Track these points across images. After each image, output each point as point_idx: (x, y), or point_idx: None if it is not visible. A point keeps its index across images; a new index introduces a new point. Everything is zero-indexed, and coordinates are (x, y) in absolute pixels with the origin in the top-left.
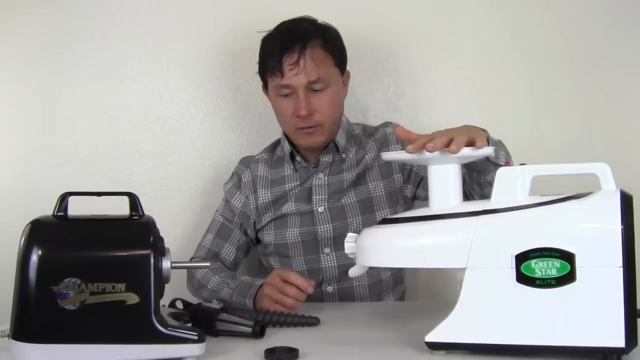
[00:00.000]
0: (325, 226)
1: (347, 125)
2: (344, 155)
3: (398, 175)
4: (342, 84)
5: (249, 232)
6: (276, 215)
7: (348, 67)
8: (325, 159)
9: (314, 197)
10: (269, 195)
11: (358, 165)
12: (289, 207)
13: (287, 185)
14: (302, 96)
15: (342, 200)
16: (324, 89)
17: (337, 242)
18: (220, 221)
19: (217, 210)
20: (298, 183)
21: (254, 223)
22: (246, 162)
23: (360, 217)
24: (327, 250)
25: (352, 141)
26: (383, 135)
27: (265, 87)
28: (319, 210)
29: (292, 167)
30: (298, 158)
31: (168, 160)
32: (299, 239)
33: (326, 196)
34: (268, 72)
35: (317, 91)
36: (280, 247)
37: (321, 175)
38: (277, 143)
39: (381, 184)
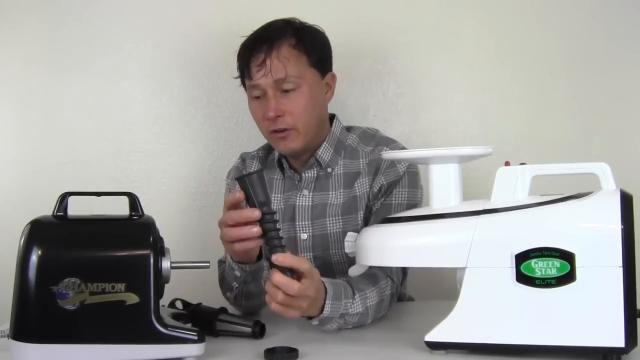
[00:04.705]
0: (306, 254)
1: (339, 134)
2: (329, 170)
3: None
4: (321, 86)
5: None
6: None
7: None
8: (309, 174)
9: (297, 222)
10: None
11: (348, 185)
12: None
13: (272, 195)
14: (270, 97)
15: (328, 227)
16: (295, 89)
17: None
18: None
19: None
20: (282, 196)
21: None
22: (244, 157)
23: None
24: None
25: (343, 152)
26: (376, 163)
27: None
28: (302, 237)
29: (281, 173)
30: (285, 166)
31: (168, 160)
32: None
33: (309, 221)
34: (242, 76)
35: (287, 92)
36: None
37: (305, 192)
38: None
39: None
